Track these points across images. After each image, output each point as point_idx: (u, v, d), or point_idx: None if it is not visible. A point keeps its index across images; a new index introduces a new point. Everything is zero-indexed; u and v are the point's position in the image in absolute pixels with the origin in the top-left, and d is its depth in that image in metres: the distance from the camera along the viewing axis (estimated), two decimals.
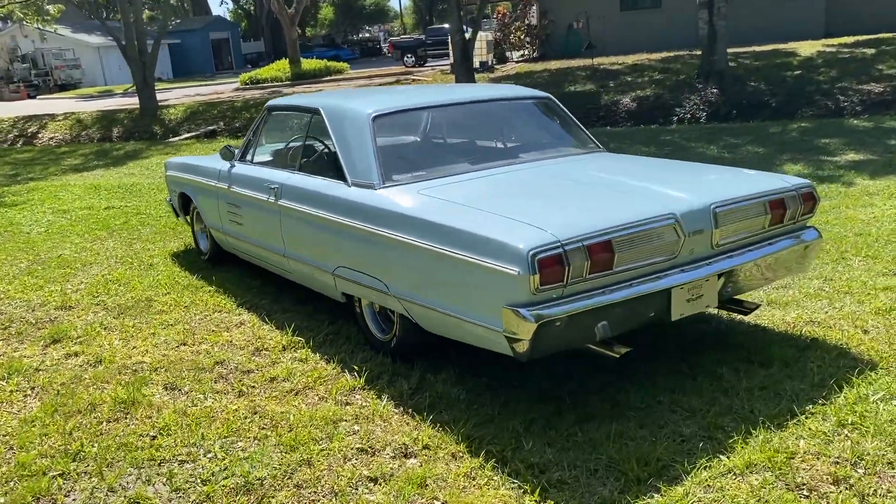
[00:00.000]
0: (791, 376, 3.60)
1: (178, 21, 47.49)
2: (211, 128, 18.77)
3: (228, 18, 55.32)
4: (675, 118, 14.44)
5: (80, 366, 4.35)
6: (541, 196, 3.80)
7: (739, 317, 4.33)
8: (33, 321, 5.17)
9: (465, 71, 17.03)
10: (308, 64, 28.13)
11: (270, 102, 5.36)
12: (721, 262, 3.49)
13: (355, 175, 4.13)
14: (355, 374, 3.96)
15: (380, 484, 2.97)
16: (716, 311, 4.29)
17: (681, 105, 14.78)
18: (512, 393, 3.62)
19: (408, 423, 3.43)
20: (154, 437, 3.45)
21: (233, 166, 5.44)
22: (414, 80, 20.93)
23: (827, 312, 4.37)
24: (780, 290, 4.74)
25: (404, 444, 3.26)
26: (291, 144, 5.15)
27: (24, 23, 24.05)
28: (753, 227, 3.63)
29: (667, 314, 3.38)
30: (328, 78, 26.54)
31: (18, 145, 19.61)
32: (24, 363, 4.40)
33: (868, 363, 3.68)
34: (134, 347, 4.57)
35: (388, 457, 3.18)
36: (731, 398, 3.42)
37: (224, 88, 27.73)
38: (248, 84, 27.42)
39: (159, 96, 21.52)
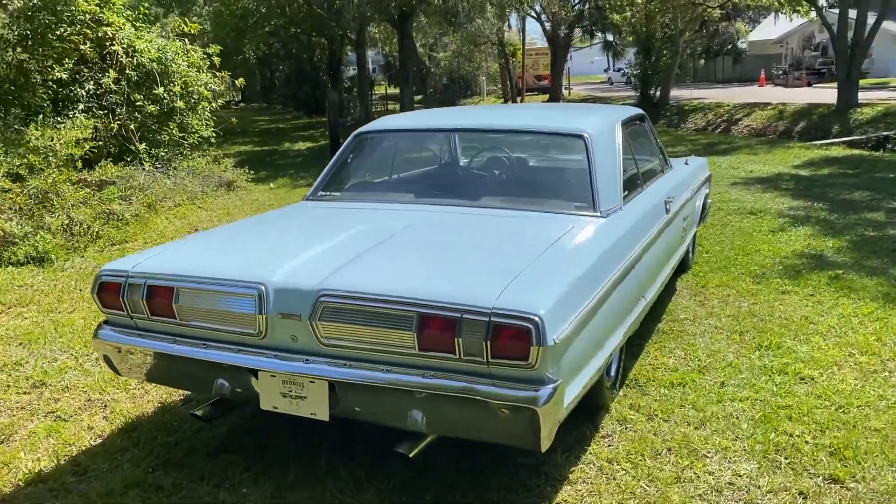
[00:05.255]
0: None
1: None
2: (885, 133, 15.76)
3: None
4: None
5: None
6: (314, 237, 3.40)
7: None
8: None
9: None
10: None
11: None
12: (324, 366, 2.71)
13: None
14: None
15: None
16: None
17: None
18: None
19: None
20: None
21: None
22: None
23: None
24: None
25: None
26: None
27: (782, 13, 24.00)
28: (393, 342, 2.61)
29: (256, 399, 2.86)
30: None
31: (716, 131, 20.42)
32: None
33: None
34: None
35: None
36: None
37: None
38: None
39: None
